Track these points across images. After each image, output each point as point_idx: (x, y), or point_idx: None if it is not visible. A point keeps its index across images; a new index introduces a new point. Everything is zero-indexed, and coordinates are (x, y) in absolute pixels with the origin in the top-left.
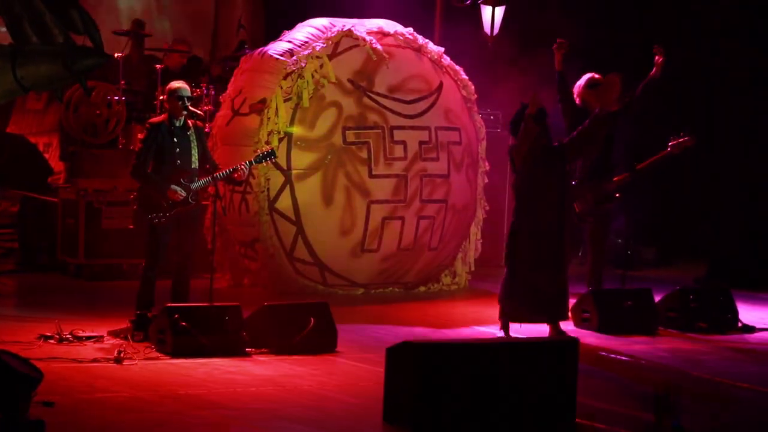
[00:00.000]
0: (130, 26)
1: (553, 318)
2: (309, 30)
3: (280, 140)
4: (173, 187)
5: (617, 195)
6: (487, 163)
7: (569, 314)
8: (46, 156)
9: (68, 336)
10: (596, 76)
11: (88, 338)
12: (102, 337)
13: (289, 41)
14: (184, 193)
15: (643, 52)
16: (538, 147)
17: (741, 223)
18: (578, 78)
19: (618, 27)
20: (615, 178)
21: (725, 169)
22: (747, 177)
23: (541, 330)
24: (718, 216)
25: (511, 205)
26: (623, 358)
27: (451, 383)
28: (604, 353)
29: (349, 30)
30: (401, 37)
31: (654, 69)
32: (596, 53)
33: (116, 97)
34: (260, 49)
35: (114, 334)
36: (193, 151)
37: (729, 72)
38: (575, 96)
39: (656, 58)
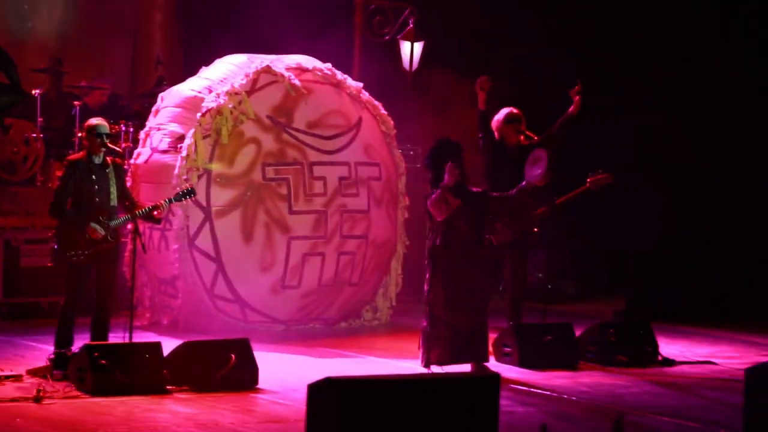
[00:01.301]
0: (48, 63)
1: (474, 360)
2: (227, 66)
3: (200, 177)
4: (92, 225)
5: (536, 229)
6: (407, 198)
7: (489, 353)
8: None
9: None
10: (514, 110)
11: (7, 377)
12: (21, 376)
13: (208, 77)
14: (103, 232)
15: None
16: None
17: (659, 255)
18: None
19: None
20: (533, 212)
21: (643, 202)
22: (664, 209)
23: (464, 366)
24: (636, 249)
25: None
26: (545, 392)
27: (374, 419)
28: (525, 388)
29: (268, 66)
30: (320, 73)
31: (572, 106)
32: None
33: (34, 135)
34: (178, 85)
35: (33, 373)
36: (112, 189)
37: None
38: (494, 130)
39: (575, 95)
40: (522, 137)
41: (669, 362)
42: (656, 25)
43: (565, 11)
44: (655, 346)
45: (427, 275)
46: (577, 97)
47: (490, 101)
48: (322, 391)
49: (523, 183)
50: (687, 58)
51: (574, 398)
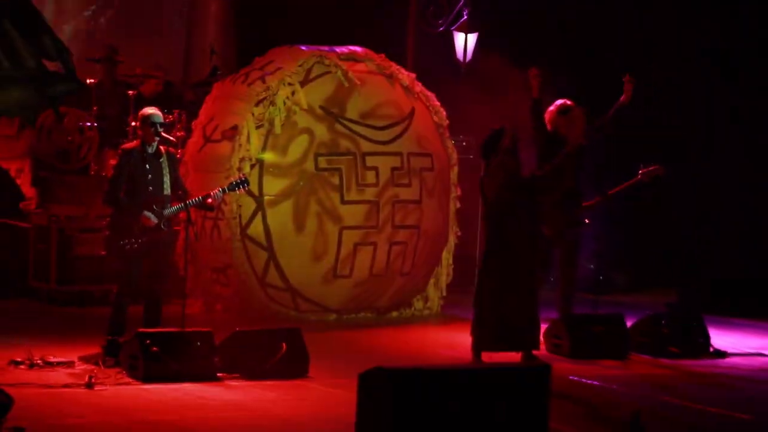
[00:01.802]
0: (104, 52)
1: (524, 347)
2: (281, 56)
3: (252, 167)
4: (146, 213)
5: (587, 220)
6: (459, 189)
7: (541, 341)
8: (18, 181)
9: (39, 361)
10: (568, 102)
11: (59, 364)
12: (73, 362)
13: (261, 68)
14: (156, 220)
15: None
16: (512, 180)
17: (712, 248)
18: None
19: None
20: (585, 203)
21: (697, 195)
22: (717, 202)
23: (514, 356)
24: (689, 241)
25: (483, 231)
26: (595, 383)
27: (424, 409)
28: (575, 378)
29: (321, 56)
30: (373, 63)
31: (624, 95)
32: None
33: (88, 124)
34: (232, 75)
35: (85, 359)
36: (165, 178)
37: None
38: (547, 122)
39: (626, 84)
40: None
41: (720, 354)
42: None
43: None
44: (707, 338)
45: (480, 263)
46: (629, 86)
47: (544, 91)
48: (372, 381)
49: (567, 147)
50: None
51: (625, 389)
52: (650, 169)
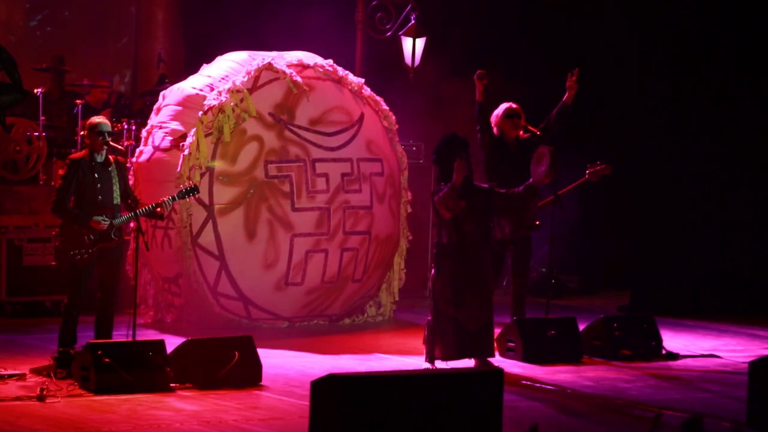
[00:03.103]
0: (50, 62)
1: (478, 355)
2: (228, 64)
3: (202, 175)
4: (95, 217)
5: (537, 222)
6: (409, 194)
7: (494, 348)
8: None
9: None
10: (513, 105)
11: (10, 376)
12: (24, 375)
13: (209, 75)
14: (107, 222)
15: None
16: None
17: (663, 249)
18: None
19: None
20: (539, 204)
21: (647, 196)
22: (668, 203)
23: (468, 361)
24: (640, 243)
25: (434, 237)
26: (548, 387)
27: (377, 416)
28: (529, 383)
29: (269, 63)
30: (321, 69)
31: (566, 94)
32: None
33: (36, 133)
34: (179, 83)
35: (37, 371)
36: (114, 187)
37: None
38: (493, 125)
39: (568, 83)
40: (521, 131)
41: (673, 356)
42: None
43: (567, 7)
44: (659, 340)
45: (433, 271)
46: (573, 87)
47: (488, 94)
48: (325, 388)
49: (530, 180)
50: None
51: (578, 393)
52: (597, 168)
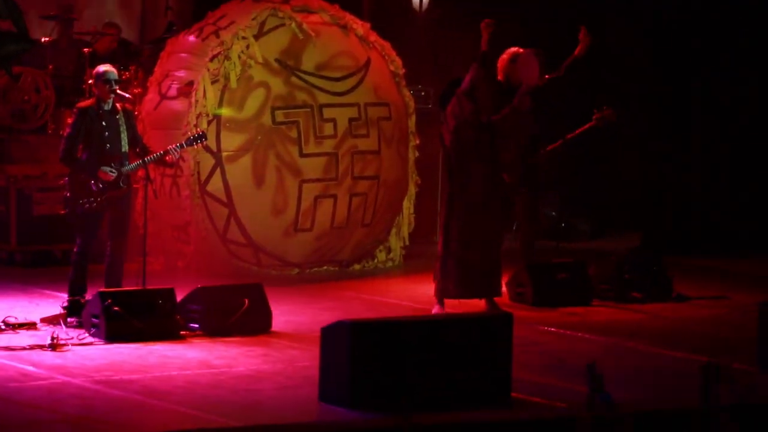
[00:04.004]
0: (58, 10)
1: (486, 294)
2: (234, 11)
3: (209, 123)
4: (103, 168)
5: (546, 168)
6: (417, 138)
7: (503, 289)
8: None
9: (0, 324)
10: (519, 50)
11: (21, 325)
12: (35, 323)
13: (215, 22)
14: (114, 173)
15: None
16: (471, 123)
17: (673, 190)
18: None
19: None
20: (547, 148)
21: (656, 139)
22: (677, 146)
23: (478, 305)
24: (650, 185)
25: (444, 179)
26: (558, 330)
27: (386, 361)
28: (539, 326)
29: (274, 9)
30: (327, 15)
31: (578, 47)
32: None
33: (44, 82)
34: (186, 30)
35: (47, 320)
36: (122, 135)
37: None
38: (498, 71)
39: (581, 35)
40: None
41: (683, 298)
42: None
43: None
44: (670, 282)
45: (443, 211)
46: (585, 40)
47: (494, 43)
48: (334, 334)
49: (522, 87)
50: None
51: (587, 336)
52: (604, 114)
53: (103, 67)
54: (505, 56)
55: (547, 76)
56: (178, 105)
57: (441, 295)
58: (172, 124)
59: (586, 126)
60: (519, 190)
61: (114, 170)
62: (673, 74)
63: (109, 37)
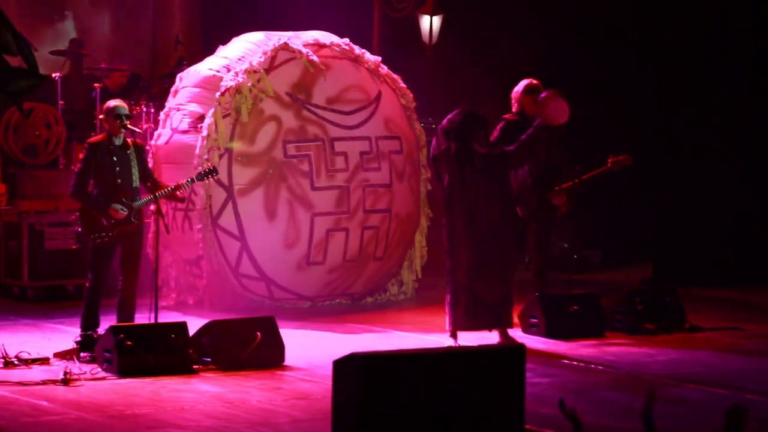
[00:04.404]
0: (69, 46)
1: (497, 325)
2: (245, 44)
3: (221, 156)
4: (114, 205)
5: (561, 203)
6: (429, 171)
7: (514, 321)
8: None
9: (13, 359)
10: (534, 81)
11: (34, 361)
12: (48, 359)
13: (225, 56)
14: (125, 212)
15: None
16: (484, 161)
17: (685, 222)
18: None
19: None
20: (559, 187)
21: (666, 171)
22: (687, 177)
23: (491, 337)
24: (661, 217)
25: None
26: (571, 362)
27: (398, 393)
28: (552, 359)
29: (285, 43)
30: (337, 48)
31: (609, 165)
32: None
33: (55, 118)
34: (196, 65)
35: (60, 355)
36: (133, 170)
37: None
38: (513, 101)
39: (612, 161)
40: None
41: (696, 329)
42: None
43: None
44: (682, 313)
45: (447, 243)
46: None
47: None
48: (347, 367)
49: (538, 120)
50: None
51: (600, 368)
52: (620, 158)
53: (113, 102)
54: (519, 88)
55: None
56: (190, 139)
57: (453, 327)
58: (183, 158)
59: (600, 169)
60: (531, 222)
61: (125, 207)
62: (684, 105)
63: (119, 72)
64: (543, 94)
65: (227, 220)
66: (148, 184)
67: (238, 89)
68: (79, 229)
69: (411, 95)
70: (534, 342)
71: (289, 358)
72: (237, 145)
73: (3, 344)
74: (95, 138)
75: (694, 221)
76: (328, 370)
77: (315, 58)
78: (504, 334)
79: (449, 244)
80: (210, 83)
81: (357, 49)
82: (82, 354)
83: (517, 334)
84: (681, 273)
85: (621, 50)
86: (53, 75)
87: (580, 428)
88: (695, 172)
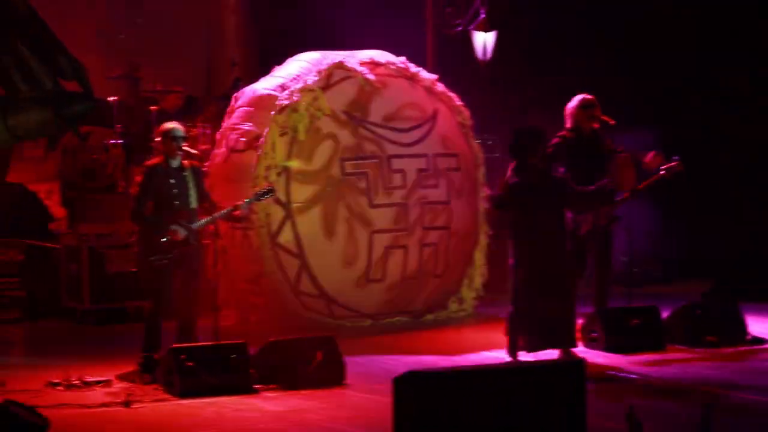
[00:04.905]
0: (125, 69)
1: (559, 345)
2: (300, 64)
3: (278, 174)
4: (173, 227)
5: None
6: (487, 189)
7: (577, 339)
8: (47, 203)
9: (76, 382)
10: (588, 96)
11: (97, 383)
12: (110, 381)
13: (281, 76)
14: (184, 233)
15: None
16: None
17: (745, 234)
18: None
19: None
20: (617, 199)
21: (728, 182)
22: (749, 188)
23: (551, 352)
24: (722, 229)
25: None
26: (632, 376)
27: (457, 411)
28: (612, 372)
29: (341, 62)
30: (393, 67)
31: (663, 173)
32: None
33: (113, 141)
34: (252, 85)
35: (122, 377)
36: (190, 191)
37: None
38: (567, 117)
39: (666, 168)
40: (596, 123)
41: (758, 341)
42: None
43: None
44: (744, 326)
45: (511, 262)
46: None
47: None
48: (407, 385)
49: (605, 181)
50: None
51: (661, 381)
52: (672, 164)
53: (169, 125)
54: (574, 103)
55: (605, 118)
56: (247, 158)
57: (513, 349)
58: (241, 177)
59: (654, 178)
60: (593, 237)
61: (184, 229)
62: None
63: (175, 94)
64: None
65: (286, 237)
66: (206, 205)
67: (294, 107)
68: (139, 251)
69: (467, 113)
70: (594, 356)
71: (350, 377)
72: (294, 164)
73: (65, 367)
74: (152, 161)
75: (756, 235)
76: (390, 388)
77: (371, 76)
78: (566, 352)
79: (514, 266)
80: (266, 102)
81: (412, 68)
82: (143, 376)
83: (577, 348)
84: (742, 287)
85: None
86: (109, 99)
87: None
88: (760, 185)
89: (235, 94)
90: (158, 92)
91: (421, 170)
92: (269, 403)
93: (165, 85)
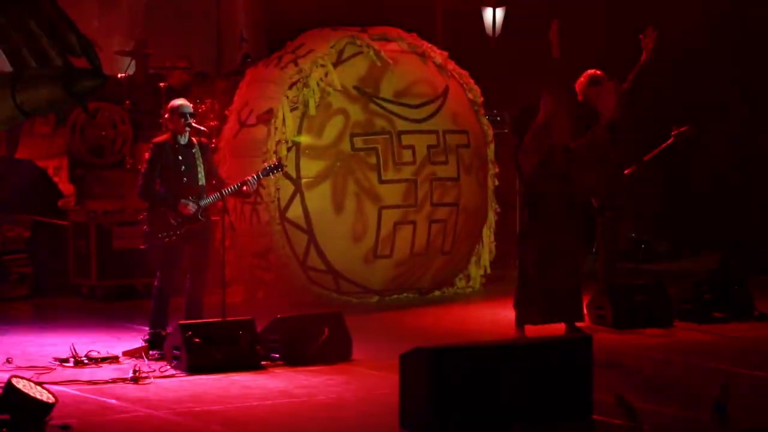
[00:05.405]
0: (134, 46)
1: (567, 319)
2: (311, 40)
3: (289, 149)
4: (183, 200)
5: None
6: (496, 166)
7: (584, 312)
8: (56, 179)
9: (83, 358)
10: (598, 72)
11: (104, 359)
12: (117, 357)
13: (293, 51)
14: (194, 207)
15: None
16: (548, 154)
17: (753, 209)
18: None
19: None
20: (626, 171)
21: (734, 157)
22: (757, 164)
23: (558, 328)
24: (729, 204)
25: (520, 206)
26: (639, 352)
27: (465, 386)
28: (619, 348)
29: (352, 37)
30: (405, 43)
31: (643, 54)
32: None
33: (121, 117)
34: (265, 59)
35: (130, 354)
36: (198, 168)
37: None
38: (577, 92)
39: (644, 42)
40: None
41: (766, 317)
42: None
43: None
44: (751, 302)
45: (519, 236)
46: (648, 42)
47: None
48: (413, 361)
49: (601, 120)
50: None
51: (668, 357)
52: (682, 130)
53: (177, 101)
54: (583, 79)
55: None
56: (258, 132)
57: (521, 321)
58: (251, 152)
59: (664, 145)
60: (602, 213)
61: (194, 205)
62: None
63: (181, 70)
64: (600, 84)
65: (295, 212)
66: (214, 182)
67: (305, 83)
68: (147, 229)
69: (478, 90)
70: (601, 332)
71: (357, 353)
72: (305, 139)
73: (73, 343)
74: (160, 137)
75: (763, 210)
76: (395, 364)
77: (382, 52)
78: (571, 326)
79: (521, 238)
80: (278, 77)
81: (424, 44)
82: (151, 352)
83: (584, 324)
84: (749, 262)
85: (688, 42)
86: (118, 75)
87: (635, 418)
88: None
89: (248, 69)
90: (166, 68)
91: (431, 146)
92: (276, 379)
93: (173, 61)
